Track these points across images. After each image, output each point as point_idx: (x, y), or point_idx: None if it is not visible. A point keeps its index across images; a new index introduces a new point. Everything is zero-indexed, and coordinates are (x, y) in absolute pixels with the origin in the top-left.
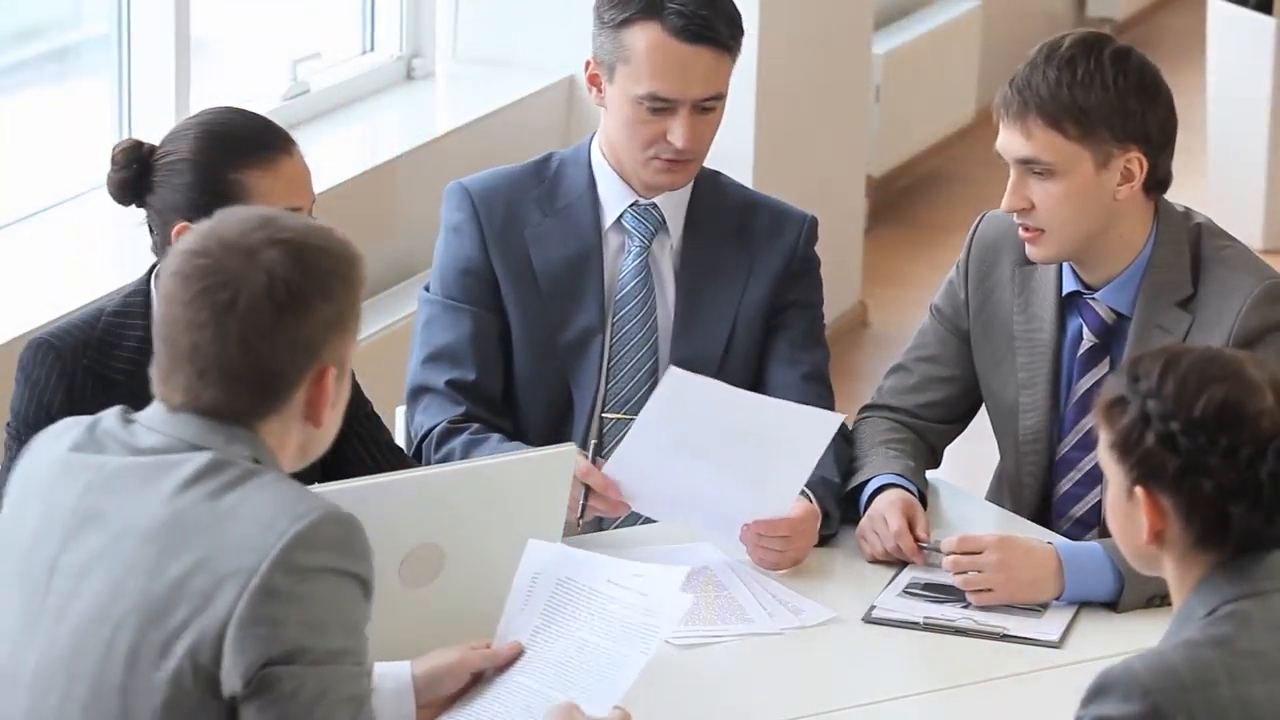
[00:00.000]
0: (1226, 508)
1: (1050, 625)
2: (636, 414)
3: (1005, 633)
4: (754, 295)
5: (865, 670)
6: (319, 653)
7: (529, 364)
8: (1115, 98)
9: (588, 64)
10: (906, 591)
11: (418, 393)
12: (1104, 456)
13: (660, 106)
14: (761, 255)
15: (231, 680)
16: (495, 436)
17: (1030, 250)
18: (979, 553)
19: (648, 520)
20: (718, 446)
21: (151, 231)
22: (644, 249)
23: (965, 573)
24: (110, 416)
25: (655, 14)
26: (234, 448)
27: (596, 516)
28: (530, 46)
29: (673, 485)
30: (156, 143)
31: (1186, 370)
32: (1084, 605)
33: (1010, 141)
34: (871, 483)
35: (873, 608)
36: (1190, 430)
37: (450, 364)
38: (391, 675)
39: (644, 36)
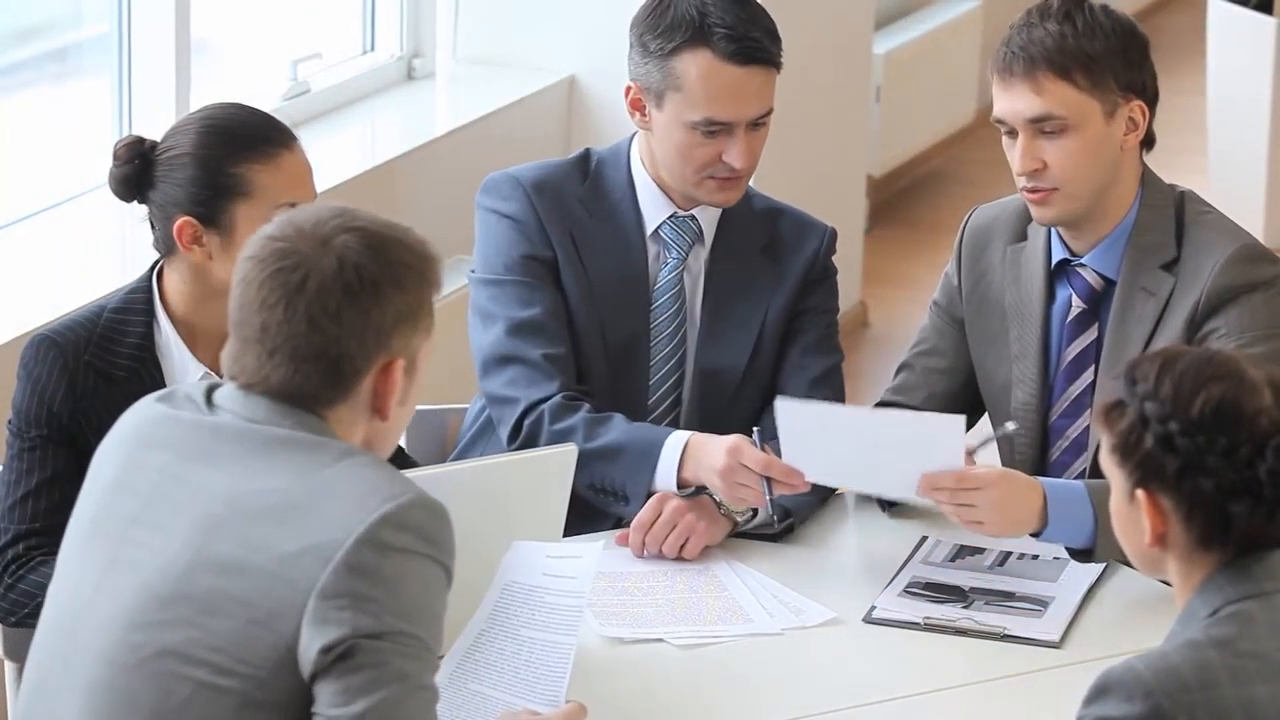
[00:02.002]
0: (1227, 507)
1: (1050, 625)
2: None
3: (1005, 633)
4: (777, 307)
5: (866, 670)
6: (405, 636)
7: (581, 359)
8: (1118, 45)
9: (628, 89)
10: (907, 591)
11: (502, 362)
12: (1105, 461)
13: (716, 130)
14: (786, 266)
15: (309, 653)
16: (618, 416)
17: (1039, 212)
18: (977, 488)
19: None
20: (862, 453)
21: (153, 227)
22: (681, 261)
23: (960, 505)
24: (194, 388)
25: (704, 40)
26: (303, 429)
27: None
28: (530, 46)
29: (844, 466)
30: (158, 139)
31: (1183, 371)
32: (1084, 604)
33: (1018, 101)
34: None
35: (873, 608)
36: (1188, 430)
37: (543, 337)
38: None
39: (695, 64)
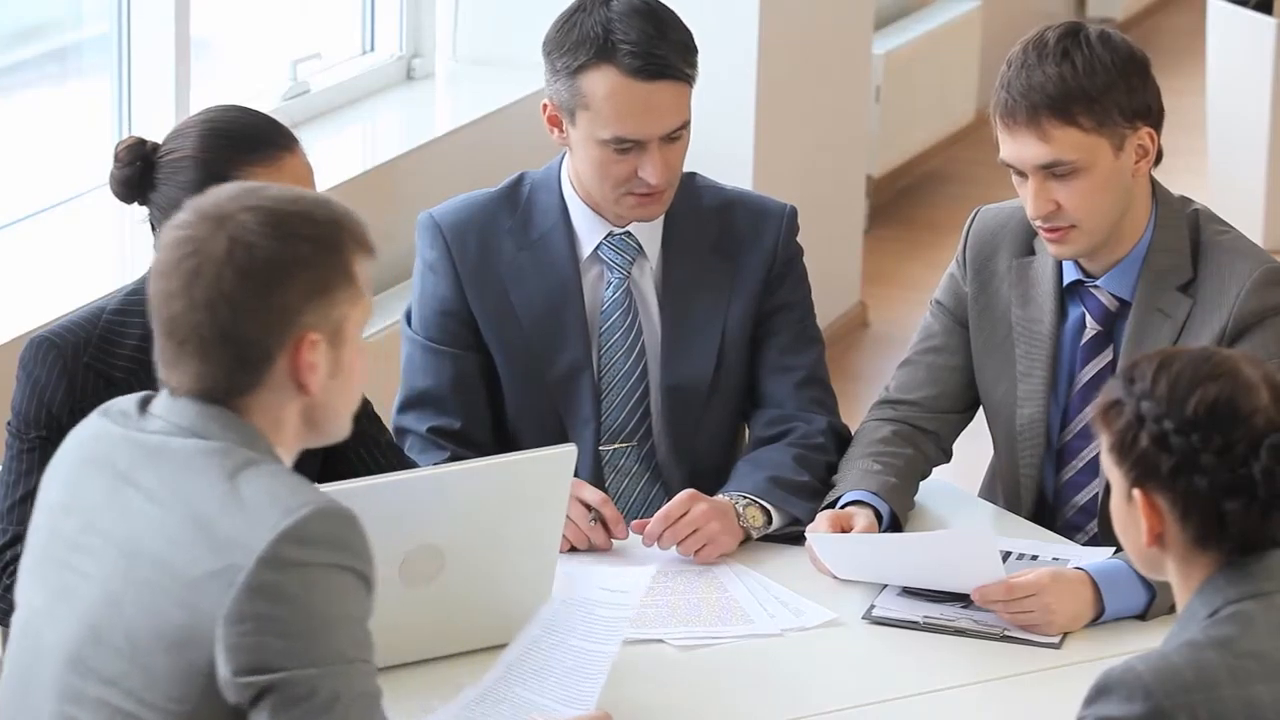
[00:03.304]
0: (1221, 505)
1: None
2: (632, 441)
3: (1005, 633)
4: (739, 307)
5: (865, 671)
6: (325, 653)
7: (519, 400)
8: (1118, 78)
9: (544, 106)
10: (906, 591)
11: (399, 434)
12: (1105, 461)
13: (628, 147)
14: (743, 263)
15: (225, 678)
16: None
17: (1058, 249)
18: (1029, 595)
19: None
20: (904, 569)
21: (153, 229)
22: (624, 279)
23: (1015, 613)
24: (128, 400)
25: (609, 57)
26: (228, 434)
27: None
28: (530, 46)
29: (893, 577)
30: (159, 141)
31: (1179, 370)
32: None
33: (1026, 148)
34: (842, 498)
35: (872, 607)
36: (1183, 429)
37: (434, 410)
38: None
39: (602, 81)
